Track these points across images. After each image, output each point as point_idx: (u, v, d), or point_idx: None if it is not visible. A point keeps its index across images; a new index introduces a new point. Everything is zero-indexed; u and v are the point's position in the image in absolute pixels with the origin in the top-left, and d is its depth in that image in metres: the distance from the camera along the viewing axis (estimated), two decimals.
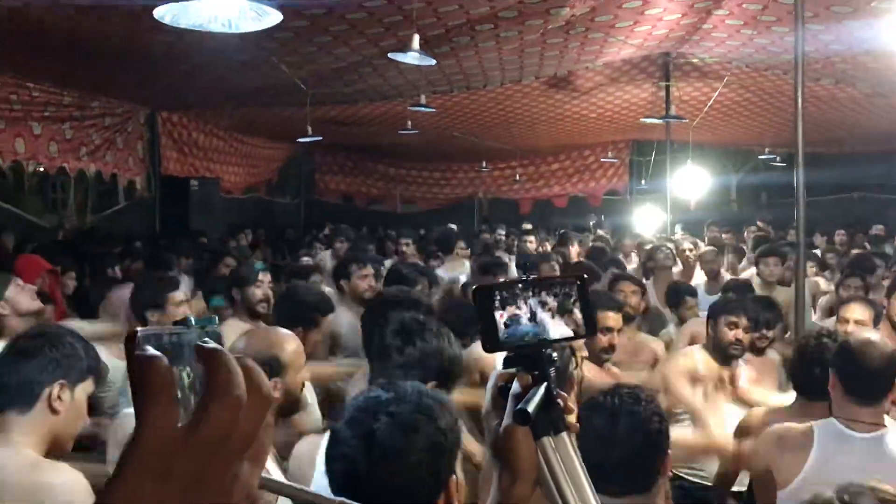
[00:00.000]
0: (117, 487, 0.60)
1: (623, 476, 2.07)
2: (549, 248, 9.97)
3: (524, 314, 1.28)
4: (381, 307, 3.30)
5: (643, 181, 14.96)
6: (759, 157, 15.31)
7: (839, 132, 12.54)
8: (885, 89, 9.21)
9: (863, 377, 2.92)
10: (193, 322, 0.66)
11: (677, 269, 7.81)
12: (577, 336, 1.33)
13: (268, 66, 7.30)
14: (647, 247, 8.79)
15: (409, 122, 10.08)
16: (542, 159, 15.30)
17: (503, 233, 11.22)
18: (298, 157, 14.25)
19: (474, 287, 1.33)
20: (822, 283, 7.49)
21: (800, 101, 4.89)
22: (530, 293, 1.30)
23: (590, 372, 3.74)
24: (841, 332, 4.26)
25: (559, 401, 1.29)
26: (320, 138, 9.95)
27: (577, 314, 1.31)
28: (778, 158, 14.36)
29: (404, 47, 5.48)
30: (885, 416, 3.00)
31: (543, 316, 1.30)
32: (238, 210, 13.90)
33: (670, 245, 8.71)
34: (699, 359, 4.35)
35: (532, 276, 1.37)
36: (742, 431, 3.46)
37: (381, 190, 15.51)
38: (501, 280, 5.11)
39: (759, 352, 4.67)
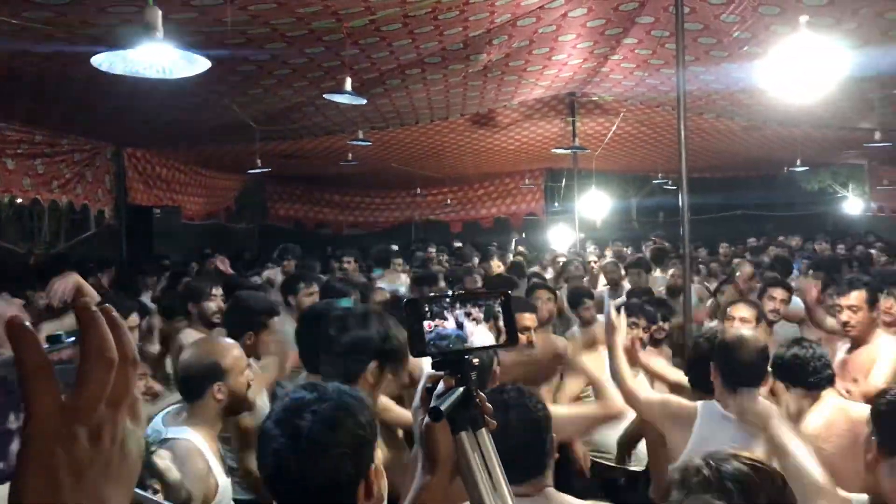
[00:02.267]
0: (25, 467, 0.58)
1: (521, 463, 2.07)
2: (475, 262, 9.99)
3: (450, 324, 1.29)
4: (307, 319, 3.23)
5: (556, 204, 15.16)
6: (654, 181, 15.61)
7: (721, 159, 12.84)
8: (759, 122, 9.47)
9: (737, 368, 2.97)
10: (65, 338, 0.64)
11: (587, 279, 7.94)
12: (499, 345, 1.34)
13: (220, 107, 7.21)
14: (561, 260, 8.92)
15: (350, 155, 10.04)
16: (470, 185, 15.39)
17: (433, 250, 11.21)
18: (253, 187, 14.08)
19: (406, 299, 1.34)
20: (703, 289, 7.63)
21: (682, 133, 4.98)
22: (457, 305, 1.31)
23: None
24: (728, 328, 4.35)
25: (478, 401, 1.30)
26: (269, 170, 9.86)
27: (501, 325, 1.33)
28: (670, 182, 14.66)
29: (339, 89, 5.46)
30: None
31: (468, 325, 1.31)
32: (198, 235, 13.66)
33: (580, 259, 8.85)
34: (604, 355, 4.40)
35: (459, 291, 1.37)
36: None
37: (327, 215, 15.39)
38: (432, 291, 5.10)
39: (656, 343, 4.74)
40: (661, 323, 4.86)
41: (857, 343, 4.31)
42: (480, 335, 1.31)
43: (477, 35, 5.97)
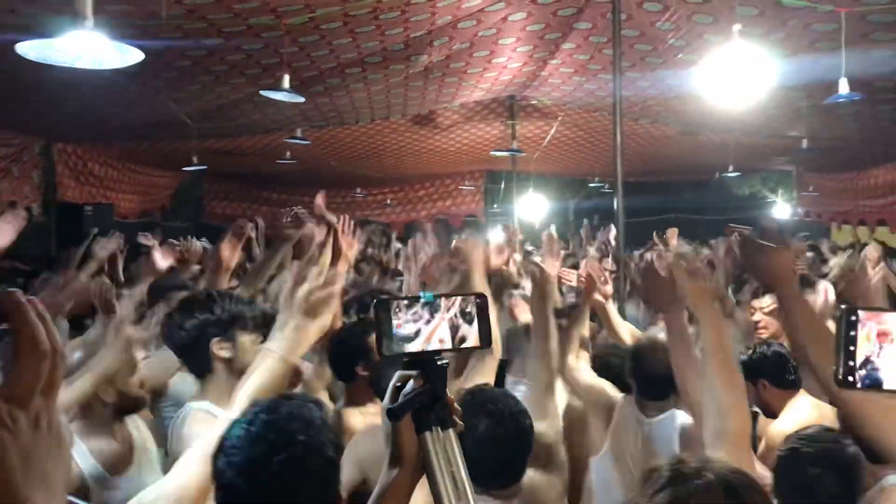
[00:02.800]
0: None
1: (503, 469, 2.12)
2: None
3: (421, 325, 1.29)
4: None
5: (495, 205, 15.23)
6: (591, 184, 15.82)
7: (656, 164, 13.08)
8: (693, 128, 9.67)
9: (645, 375, 3.03)
10: None
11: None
12: (474, 347, 1.33)
13: (155, 103, 7.04)
14: None
15: (288, 153, 9.92)
16: (411, 186, 15.36)
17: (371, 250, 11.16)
18: (190, 184, 13.79)
19: (375, 299, 1.33)
20: None
21: (618, 138, 5.06)
22: (429, 307, 1.30)
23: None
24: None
25: (447, 401, 1.30)
26: (206, 167, 9.67)
27: (475, 327, 1.32)
28: (606, 186, 14.88)
29: (277, 86, 5.38)
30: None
31: (440, 327, 1.31)
32: (132, 233, 13.31)
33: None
34: None
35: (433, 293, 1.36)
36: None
37: (265, 214, 15.14)
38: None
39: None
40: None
41: None
42: (453, 338, 1.31)
43: (418, 36, 5.96)
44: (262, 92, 5.77)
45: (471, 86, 8.02)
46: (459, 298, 1.34)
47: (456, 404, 1.33)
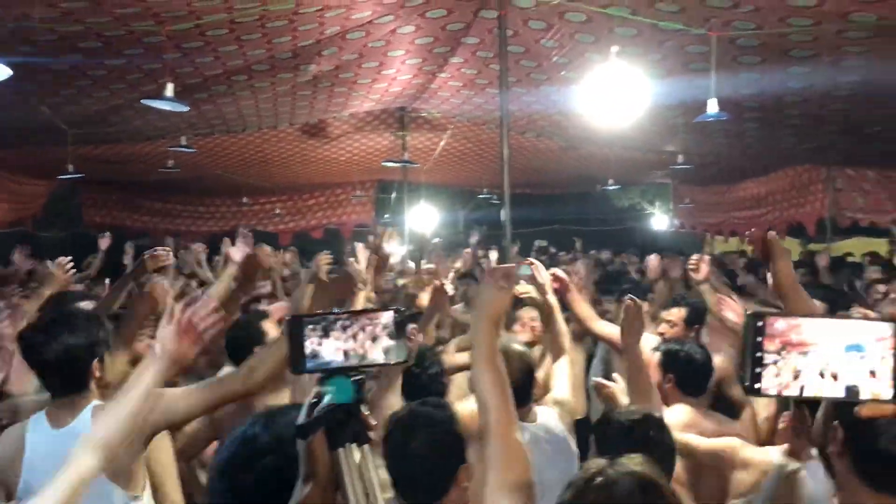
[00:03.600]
0: None
1: (419, 487, 1.96)
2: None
3: (333, 341, 1.27)
4: None
5: (387, 215, 15.23)
6: (480, 195, 16.05)
7: (542, 176, 13.40)
8: (576, 143, 9.97)
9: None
10: None
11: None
12: (389, 363, 1.32)
13: (27, 107, 6.68)
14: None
15: (171, 161, 9.61)
16: (300, 196, 15.13)
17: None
18: (65, 192, 13.14)
19: (289, 316, 1.31)
20: None
21: (505, 151, 5.15)
22: (343, 323, 1.29)
23: None
24: (518, 331, 4.58)
25: (361, 417, 1.31)
26: (83, 175, 9.24)
27: (391, 342, 1.32)
28: (494, 197, 15.13)
29: (160, 94, 5.21)
30: None
31: (353, 343, 1.28)
32: (1, 243, 12.56)
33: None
34: None
35: (345, 310, 1.36)
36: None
37: (147, 223, 14.56)
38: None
39: None
40: None
41: None
42: (368, 353, 1.29)
43: (306, 45, 5.90)
44: (143, 101, 5.57)
45: (361, 96, 8.00)
46: (377, 314, 1.33)
47: (371, 420, 1.32)
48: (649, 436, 2.34)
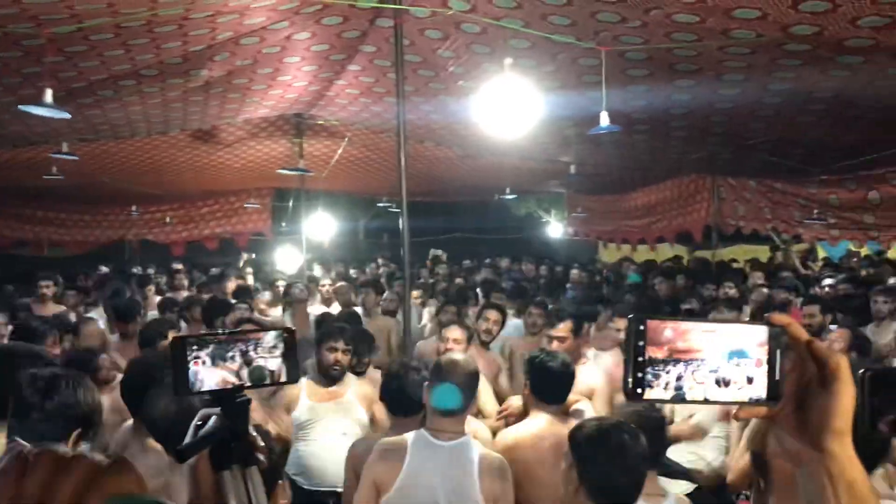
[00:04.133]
0: None
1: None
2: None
3: (221, 362, 1.24)
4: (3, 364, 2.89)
5: (283, 224, 14.99)
6: (379, 204, 16.02)
7: (441, 185, 13.48)
8: (474, 152, 10.07)
9: (447, 392, 2.99)
10: None
11: (314, 301, 7.92)
12: (279, 382, 1.28)
13: None
14: (281, 283, 8.89)
15: (55, 168, 9.17)
16: (192, 204, 14.68)
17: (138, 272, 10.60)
18: None
19: (172, 337, 1.27)
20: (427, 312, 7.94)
21: (403, 159, 5.14)
22: (231, 343, 1.25)
23: None
24: (442, 349, 4.53)
25: (249, 439, 1.28)
26: None
27: (282, 362, 1.28)
28: (394, 205, 15.12)
29: (39, 100, 4.95)
30: (469, 424, 3.20)
31: (241, 364, 1.26)
32: None
33: (303, 281, 8.83)
34: (303, 383, 4.42)
35: (230, 329, 1.32)
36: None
37: (26, 233, 13.78)
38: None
39: (359, 374, 4.80)
40: (362, 357, 4.96)
41: None
42: (254, 374, 1.27)
43: (198, 50, 5.74)
44: (20, 107, 5.29)
45: (255, 103, 7.85)
46: (265, 334, 1.30)
47: (260, 441, 1.30)
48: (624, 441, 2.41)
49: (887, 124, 6.93)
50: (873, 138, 7.65)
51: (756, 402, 0.91)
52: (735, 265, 11.32)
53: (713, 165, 10.37)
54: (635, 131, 7.84)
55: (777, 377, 0.91)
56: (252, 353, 1.27)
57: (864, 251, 12.49)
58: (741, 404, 0.92)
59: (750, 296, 7.78)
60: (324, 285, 8.81)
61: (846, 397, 0.90)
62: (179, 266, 12.71)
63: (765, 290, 7.75)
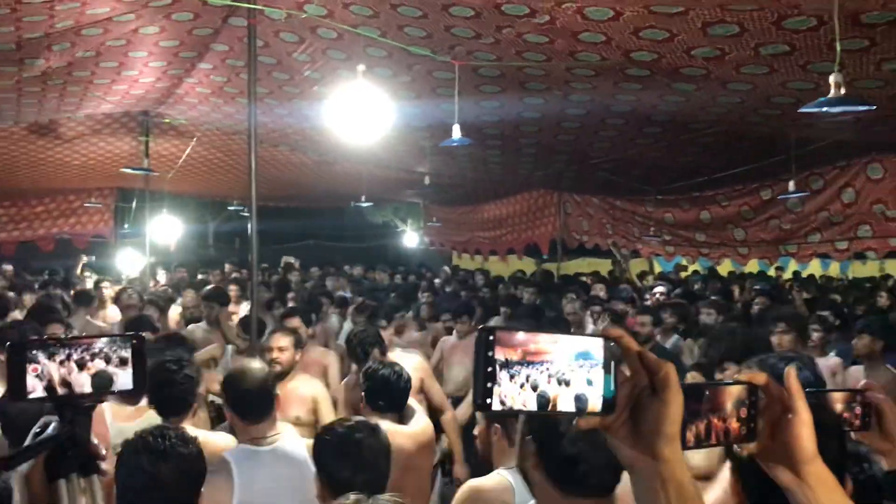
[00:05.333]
0: None
1: None
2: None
3: (59, 369, 1.20)
4: None
5: (126, 226, 14.26)
6: (230, 207, 15.57)
7: (296, 190, 13.29)
8: (329, 158, 9.99)
9: (245, 400, 3.04)
10: None
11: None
12: (123, 391, 1.25)
13: None
14: (107, 289, 8.56)
15: None
16: (26, 202, 13.68)
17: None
18: None
19: (8, 342, 1.19)
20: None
21: (253, 162, 5.03)
22: (71, 349, 1.21)
23: None
24: (268, 358, 4.43)
25: (91, 447, 1.24)
26: None
27: (128, 370, 1.24)
28: (245, 209, 14.73)
29: None
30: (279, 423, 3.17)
31: (80, 373, 1.21)
32: None
33: (136, 286, 8.50)
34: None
35: (74, 335, 1.26)
36: None
37: None
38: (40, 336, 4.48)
39: None
40: None
41: None
42: (94, 382, 1.22)
43: (33, 38, 5.38)
44: None
45: (98, 97, 7.44)
46: (109, 340, 1.26)
47: (102, 449, 1.26)
48: (365, 442, 2.41)
49: (715, 148, 7.46)
50: (703, 162, 8.22)
51: (593, 413, 0.94)
52: (582, 278, 11.80)
53: (560, 182, 10.80)
54: (488, 146, 8.04)
55: (612, 388, 0.95)
56: (96, 360, 1.23)
57: (694, 267, 13.36)
58: (579, 415, 0.94)
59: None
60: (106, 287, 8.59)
61: (676, 404, 0.95)
62: (9, 267, 11.85)
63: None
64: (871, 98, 4.77)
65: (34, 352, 1.20)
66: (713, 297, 8.16)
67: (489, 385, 0.86)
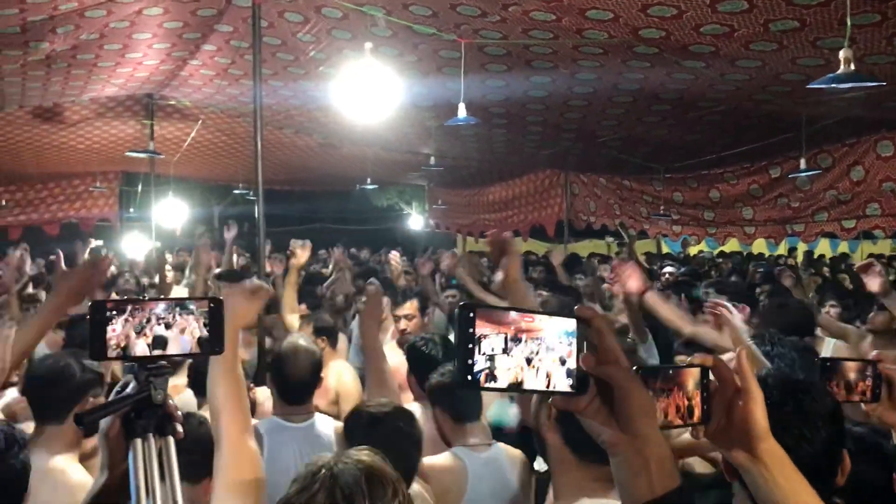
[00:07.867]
0: None
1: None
2: None
3: (141, 329, 1.24)
4: None
5: (132, 210, 14.29)
6: (236, 191, 15.56)
7: (301, 173, 13.27)
8: (335, 140, 9.98)
9: (290, 384, 3.08)
10: None
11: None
12: (198, 353, 1.28)
13: None
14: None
15: None
16: (31, 186, 13.70)
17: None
18: None
19: (91, 301, 1.23)
20: None
21: (259, 145, 5.03)
22: (152, 310, 1.25)
23: None
24: (398, 327, 4.65)
25: (167, 408, 1.26)
26: None
27: (205, 332, 1.28)
28: (251, 193, 14.72)
29: None
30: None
31: (162, 333, 1.25)
32: None
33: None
34: None
35: (151, 297, 1.27)
36: None
37: None
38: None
39: None
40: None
41: None
42: (175, 344, 1.27)
43: (38, 20, 5.37)
44: None
45: (102, 80, 7.43)
46: (191, 303, 1.30)
47: (179, 412, 1.29)
48: (398, 427, 2.39)
49: (724, 126, 7.43)
50: (712, 140, 8.18)
51: (564, 393, 0.94)
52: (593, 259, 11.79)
53: (566, 161, 10.76)
54: (493, 125, 8.01)
55: (584, 369, 0.95)
56: (177, 322, 1.27)
57: (697, 248, 13.32)
58: (555, 394, 0.94)
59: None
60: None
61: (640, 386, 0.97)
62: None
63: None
64: (881, 74, 4.74)
65: (115, 312, 1.22)
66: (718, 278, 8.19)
67: (469, 362, 0.88)
